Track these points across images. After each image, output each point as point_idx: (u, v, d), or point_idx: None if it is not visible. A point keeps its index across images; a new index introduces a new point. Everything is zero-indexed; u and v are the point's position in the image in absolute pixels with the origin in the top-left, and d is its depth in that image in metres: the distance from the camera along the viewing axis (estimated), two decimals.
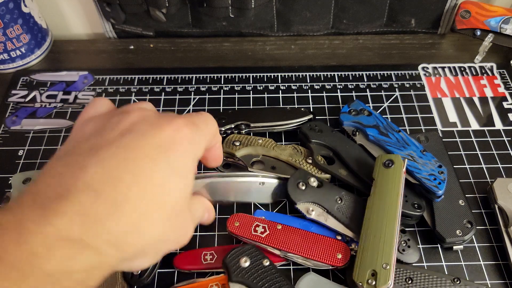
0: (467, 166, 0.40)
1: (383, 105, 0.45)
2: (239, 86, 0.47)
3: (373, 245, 0.30)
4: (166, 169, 0.19)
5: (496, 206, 0.35)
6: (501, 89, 0.47)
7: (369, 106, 0.45)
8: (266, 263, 0.30)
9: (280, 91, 0.47)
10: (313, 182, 0.35)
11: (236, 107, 0.45)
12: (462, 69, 0.49)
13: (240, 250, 0.31)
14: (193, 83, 0.48)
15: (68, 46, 0.53)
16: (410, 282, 0.31)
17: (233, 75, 0.48)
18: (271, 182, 0.36)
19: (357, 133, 0.40)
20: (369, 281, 0.29)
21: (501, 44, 0.48)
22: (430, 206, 0.35)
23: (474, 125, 0.43)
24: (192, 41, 0.53)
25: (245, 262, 0.30)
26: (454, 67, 0.49)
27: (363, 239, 0.31)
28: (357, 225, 0.33)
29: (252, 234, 0.32)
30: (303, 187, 0.34)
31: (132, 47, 0.53)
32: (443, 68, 0.49)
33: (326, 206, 0.34)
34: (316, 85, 0.47)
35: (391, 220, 0.31)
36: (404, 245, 0.33)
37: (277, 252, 0.32)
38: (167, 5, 0.49)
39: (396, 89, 0.47)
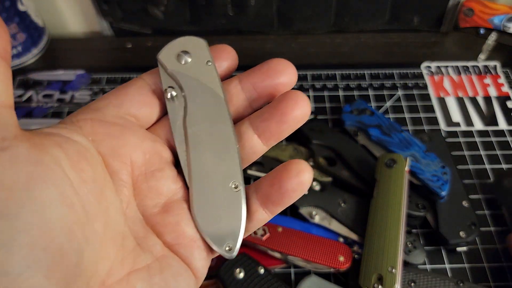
0: (470, 166, 0.39)
1: (385, 105, 0.44)
2: None
3: (378, 248, 0.30)
4: None
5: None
6: (505, 89, 0.46)
7: (371, 105, 0.44)
8: (261, 270, 0.30)
9: None
10: (316, 186, 0.35)
11: None
12: (465, 68, 0.48)
13: (232, 261, 0.30)
14: None
15: (65, 44, 0.52)
16: (413, 284, 0.31)
17: (232, 74, 0.48)
18: None
19: (359, 133, 0.39)
20: (375, 285, 0.28)
21: (504, 43, 0.48)
22: (433, 207, 0.34)
23: (478, 125, 0.43)
24: None
25: (240, 273, 0.30)
26: (457, 66, 0.48)
27: (368, 243, 0.31)
28: (361, 228, 0.32)
29: (252, 236, 0.32)
30: (306, 192, 0.34)
31: (129, 45, 0.52)
32: (446, 67, 0.48)
33: (329, 209, 0.33)
34: (317, 84, 0.47)
35: (395, 222, 0.31)
36: (410, 246, 0.32)
37: (277, 255, 0.32)
38: (165, 2, 0.48)
39: (399, 88, 0.46)
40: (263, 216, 0.18)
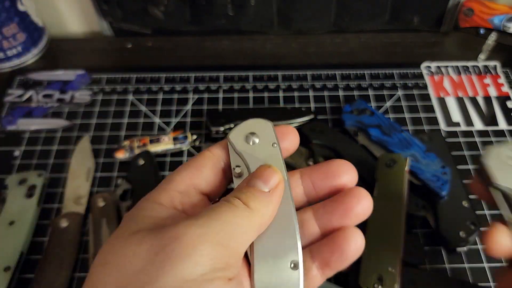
0: (470, 166, 0.39)
1: (385, 105, 0.44)
2: (239, 85, 0.47)
3: (378, 248, 0.30)
4: None
5: (495, 189, 0.22)
6: (505, 89, 0.46)
7: (371, 105, 0.44)
8: None
9: (281, 90, 0.46)
10: None
11: (235, 106, 0.45)
12: (465, 68, 0.48)
13: None
14: (192, 82, 0.47)
15: (64, 44, 0.52)
16: (413, 284, 0.31)
17: (232, 73, 0.48)
18: None
19: (359, 133, 0.39)
20: (375, 285, 0.28)
21: (504, 43, 0.48)
22: (433, 207, 0.34)
23: (478, 125, 0.43)
24: (190, 39, 0.52)
25: None
26: (457, 66, 0.48)
27: (368, 243, 0.30)
28: (361, 228, 0.32)
29: None
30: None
31: (129, 45, 0.52)
32: (446, 67, 0.48)
33: None
34: (317, 84, 0.47)
35: (395, 222, 0.31)
36: (410, 246, 0.32)
37: None
38: (165, 3, 0.48)
39: (399, 88, 0.46)
40: (319, 280, 0.19)
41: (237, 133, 0.21)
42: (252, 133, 0.21)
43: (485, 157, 0.21)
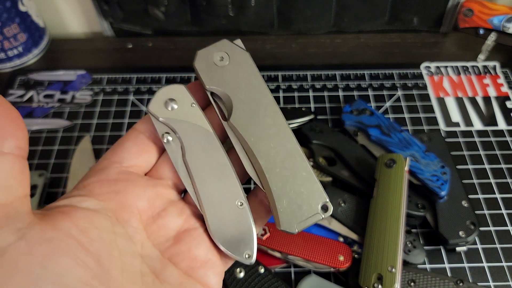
0: (470, 166, 0.39)
1: (385, 105, 0.45)
2: None
3: (377, 248, 0.30)
4: None
5: (208, 91, 0.22)
6: (504, 89, 0.46)
7: (371, 105, 0.44)
8: (261, 270, 0.30)
9: (281, 90, 0.46)
10: None
11: None
12: (465, 68, 0.48)
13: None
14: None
15: (65, 45, 0.52)
16: (412, 284, 0.31)
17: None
18: None
19: (359, 133, 0.39)
20: (375, 285, 0.28)
21: (504, 43, 0.48)
22: (433, 207, 0.34)
23: (477, 125, 0.43)
24: (191, 40, 0.52)
25: (240, 273, 0.30)
26: (456, 66, 0.48)
27: (368, 242, 0.31)
28: (361, 228, 0.33)
29: None
30: None
31: (130, 45, 0.52)
32: (445, 67, 0.48)
33: None
34: (317, 84, 0.47)
35: (395, 222, 0.31)
36: (409, 245, 0.32)
37: (277, 254, 0.32)
38: (166, 3, 0.49)
39: (398, 89, 0.46)
40: (264, 212, 0.21)
41: (156, 103, 0.21)
42: (170, 99, 0.21)
43: (195, 61, 0.22)
